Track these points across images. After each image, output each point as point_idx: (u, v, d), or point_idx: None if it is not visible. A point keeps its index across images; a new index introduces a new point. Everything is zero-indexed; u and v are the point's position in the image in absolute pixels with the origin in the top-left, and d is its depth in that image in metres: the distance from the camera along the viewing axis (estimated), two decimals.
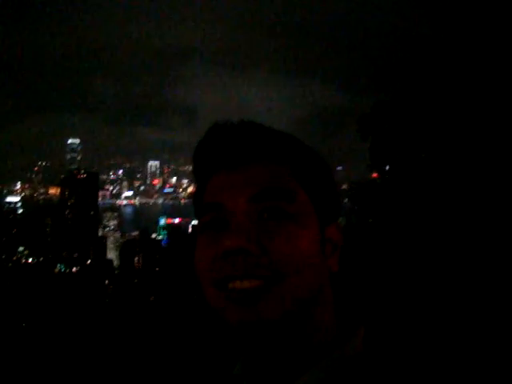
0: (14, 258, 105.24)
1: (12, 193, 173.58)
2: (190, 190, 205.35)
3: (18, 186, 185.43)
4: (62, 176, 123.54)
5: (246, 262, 0.94)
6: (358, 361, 0.93)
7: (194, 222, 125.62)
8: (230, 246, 0.93)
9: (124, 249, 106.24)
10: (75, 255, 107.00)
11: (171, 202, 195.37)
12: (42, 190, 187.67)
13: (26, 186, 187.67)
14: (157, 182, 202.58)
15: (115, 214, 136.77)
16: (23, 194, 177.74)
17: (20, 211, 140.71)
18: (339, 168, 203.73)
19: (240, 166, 1.02)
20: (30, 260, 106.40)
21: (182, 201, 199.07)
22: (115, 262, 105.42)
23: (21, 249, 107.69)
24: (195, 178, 1.11)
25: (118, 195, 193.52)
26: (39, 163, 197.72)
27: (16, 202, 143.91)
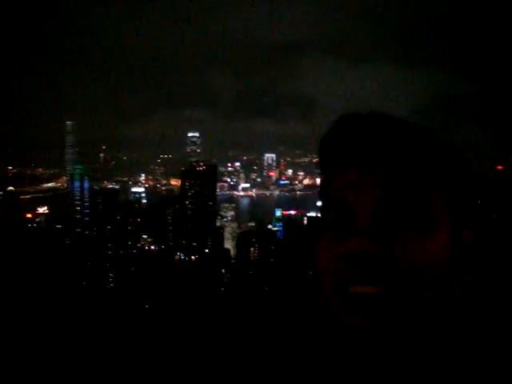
0: (139, 245, 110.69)
1: (137, 184, 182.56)
2: (306, 182, 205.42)
3: (143, 177, 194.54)
4: (183, 168, 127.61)
5: (369, 267, 0.88)
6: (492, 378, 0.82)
7: (310, 214, 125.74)
8: (354, 248, 0.87)
9: (240, 239, 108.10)
10: (194, 244, 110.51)
11: (287, 194, 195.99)
12: (164, 182, 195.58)
13: (150, 177, 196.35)
14: (273, 174, 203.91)
15: (233, 205, 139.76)
16: (147, 185, 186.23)
17: (144, 201, 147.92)
18: None
19: (370, 163, 0.95)
20: (153, 247, 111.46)
21: (298, 193, 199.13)
22: (232, 252, 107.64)
23: (145, 236, 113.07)
24: (321, 169, 1.06)
25: (235, 187, 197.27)
26: (161, 156, 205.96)
27: (141, 193, 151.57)
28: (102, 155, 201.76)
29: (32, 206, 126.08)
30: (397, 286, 0.86)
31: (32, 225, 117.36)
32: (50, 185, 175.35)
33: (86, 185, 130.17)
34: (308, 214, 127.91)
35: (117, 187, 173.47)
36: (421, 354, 0.90)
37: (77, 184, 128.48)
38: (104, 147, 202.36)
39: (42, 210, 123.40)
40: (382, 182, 0.92)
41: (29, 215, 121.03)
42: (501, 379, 0.81)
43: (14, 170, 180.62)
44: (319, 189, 1.08)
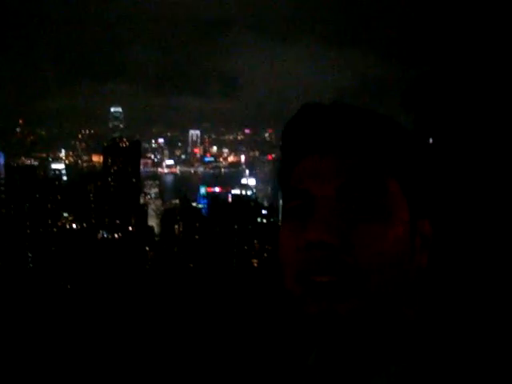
0: (59, 224, 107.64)
1: (57, 160, 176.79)
2: (231, 159, 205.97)
3: (63, 153, 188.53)
4: (105, 144, 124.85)
5: (327, 257, 0.90)
6: (437, 360, 0.87)
7: (235, 191, 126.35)
8: (312, 238, 0.89)
9: (165, 216, 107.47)
10: (117, 222, 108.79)
11: (212, 171, 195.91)
12: (85, 158, 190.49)
13: (70, 153, 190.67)
14: (197, 150, 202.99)
15: (156, 182, 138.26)
16: (68, 161, 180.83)
17: (65, 178, 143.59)
18: None
19: (331, 152, 0.96)
20: (74, 226, 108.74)
21: (223, 170, 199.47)
22: (156, 230, 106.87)
23: (65, 215, 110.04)
24: (282, 157, 1.05)
25: (159, 164, 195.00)
26: (83, 131, 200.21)
27: (61, 169, 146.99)
28: (18, 130, 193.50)
29: None
30: (353, 276, 0.89)
31: None
32: None
33: (2, 161, 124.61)
34: (233, 192, 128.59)
35: (35, 163, 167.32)
36: (375, 338, 0.95)
37: None
38: (21, 121, 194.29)
39: None
40: (342, 172, 0.94)
41: None
42: (446, 365, 0.85)
43: None
44: (279, 176, 1.06)
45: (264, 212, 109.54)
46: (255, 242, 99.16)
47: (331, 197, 0.93)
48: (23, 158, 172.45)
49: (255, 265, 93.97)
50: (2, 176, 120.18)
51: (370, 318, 0.92)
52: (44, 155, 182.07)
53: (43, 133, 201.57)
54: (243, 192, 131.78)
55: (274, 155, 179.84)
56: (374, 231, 0.91)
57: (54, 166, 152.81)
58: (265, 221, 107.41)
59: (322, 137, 0.97)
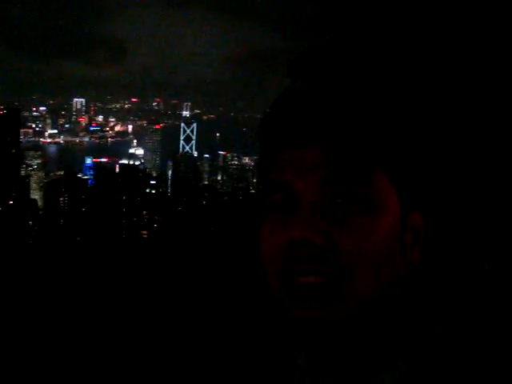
0: None
1: None
2: (118, 128, 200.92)
3: None
4: None
5: (312, 256, 0.85)
6: (432, 362, 0.83)
7: (122, 161, 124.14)
8: (296, 236, 0.84)
9: (48, 189, 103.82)
10: None
11: (98, 141, 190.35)
12: None
13: None
14: (82, 119, 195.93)
15: (39, 152, 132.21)
16: None
17: None
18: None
19: (312, 143, 0.91)
20: None
21: (109, 140, 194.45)
22: (39, 203, 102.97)
23: None
24: (262, 149, 0.99)
25: (41, 133, 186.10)
26: None
27: None
28: None
29: None
30: (339, 277, 0.85)
31: None
32: None
33: None
34: (120, 162, 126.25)
35: None
36: (366, 338, 0.92)
37: None
38: None
39: None
40: (325, 163, 0.88)
41: None
42: (441, 364, 0.82)
43: None
44: (258, 168, 1.00)
45: (152, 182, 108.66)
46: (144, 212, 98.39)
47: (315, 190, 0.87)
48: None
49: (144, 236, 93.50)
50: None
51: (360, 320, 0.88)
52: None
53: None
54: (131, 162, 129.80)
55: (162, 124, 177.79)
56: (361, 226, 0.86)
57: None
58: (154, 191, 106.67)
59: (302, 126, 0.90)
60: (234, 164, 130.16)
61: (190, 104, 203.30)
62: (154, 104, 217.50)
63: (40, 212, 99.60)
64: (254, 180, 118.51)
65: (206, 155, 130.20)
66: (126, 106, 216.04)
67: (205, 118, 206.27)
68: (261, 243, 0.91)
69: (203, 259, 73.14)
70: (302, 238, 0.83)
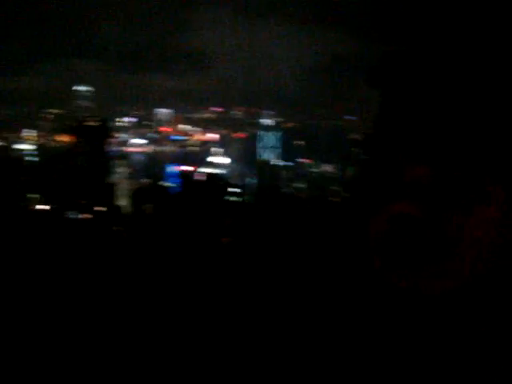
0: (25, 205, 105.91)
1: (22, 140, 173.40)
2: (200, 137, 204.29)
3: (29, 133, 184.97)
4: (72, 123, 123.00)
5: (417, 232, 0.86)
6: None
7: (204, 170, 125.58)
8: (401, 210, 0.86)
9: (134, 196, 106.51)
10: (85, 202, 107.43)
11: (181, 150, 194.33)
12: (51, 138, 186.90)
13: (36, 133, 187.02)
14: (167, 129, 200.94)
15: (125, 161, 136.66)
16: (33, 141, 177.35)
17: (30, 158, 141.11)
18: (350, 118, 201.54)
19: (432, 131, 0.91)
20: (42, 207, 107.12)
21: (192, 148, 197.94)
22: (125, 209, 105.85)
23: (32, 196, 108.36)
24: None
25: (127, 143, 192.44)
26: (48, 110, 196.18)
27: (27, 150, 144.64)
28: None
29: None
30: (442, 254, 0.85)
31: None
32: None
33: None
34: (203, 170, 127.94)
35: (0, 144, 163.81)
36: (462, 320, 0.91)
37: None
38: None
39: None
40: (442, 149, 0.88)
41: None
42: None
43: None
44: (364, 141, 1.01)
45: (234, 190, 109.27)
46: (226, 220, 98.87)
47: (427, 173, 0.88)
48: None
49: (225, 243, 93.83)
50: None
51: (457, 298, 0.87)
52: (8, 135, 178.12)
53: (8, 112, 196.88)
54: (213, 171, 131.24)
55: (243, 133, 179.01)
56: (466, 212, 0.85)
57: (19, 146, 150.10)
58: (235, 199, 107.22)
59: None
60: (315, 171, 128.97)
61: (271, 112, 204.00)
62: (236, 113, 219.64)
63: (126, 218, 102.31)
64: (334, 187, 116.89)
65: (288, 163, 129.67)
66: (209, 115, 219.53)
67: (286, 125, 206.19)
68: (367, 218, 0.93)
69: (286, 265, 72.24)
70: (407, 211, 0.85)
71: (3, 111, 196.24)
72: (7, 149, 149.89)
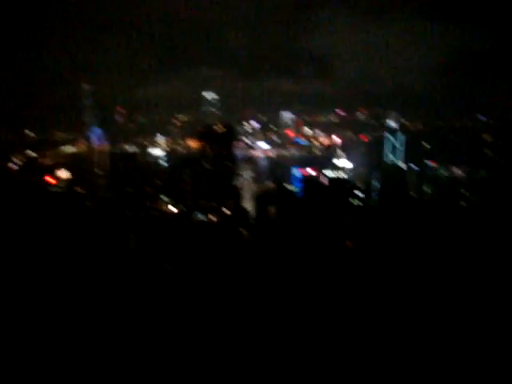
0: (157, 206, 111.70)
1: (155, 145, 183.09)
2: (324, 140, 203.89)
3: (160, 139, 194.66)
4: (200, 129, 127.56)
5: None
6: None
7: (328, 173, 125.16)
8: None
9: (259, 199, 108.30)
10: (213, 204, 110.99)
11: (305, 153, 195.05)
12: (181, 143, 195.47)
13: (167, 138, 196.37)
14: (290, 132, 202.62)
15: (251, 165, 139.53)
16: (165, 146, 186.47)
17: (162, 163, 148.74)
18: (482, 118, 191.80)
19: None
20: (172, 208, 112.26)
21: (316, 151, 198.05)
22: (250, 212, 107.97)
23: (164, 198, 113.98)
24: None
25: (253, 146, 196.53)
26: (178, 117, 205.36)
27: (159, 155, 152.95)
28: (119, 118, 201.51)
29: (53, 171, 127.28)
30: None
31: (54, 189, 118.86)
32: (68, 148, 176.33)
33: (105, 148, 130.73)
34: (327, 174, 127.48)
35: (135, 149, 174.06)
36: None
37: (95, 147, 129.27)
38: (121, 109, 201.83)
39: (63, 175, 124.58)
40: None
41: (50, 180, 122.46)
42: None
43: (33, 135, 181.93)
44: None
45: (359, 194, 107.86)
46: (349, 223, 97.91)
47: None
48: (123, 144, 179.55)
49: (349, 246, 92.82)
50: (106, 162, 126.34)
51: None
52: (142, 141, 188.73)
53: (141, 119, 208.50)
54: (338, 174, 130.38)
55: (368, 136, 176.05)
56: None
57: (152, 151, 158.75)
58: (360, 203, 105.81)
59: None
60: (444, 175, 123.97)
61: (396, 114, 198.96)
62: (360, 115, 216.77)
63: (251, 221, 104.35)
64: (464, 191, 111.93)
65: (414, 166, 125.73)
66: (332, 118, 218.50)
67: (412, 127, 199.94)
68: None
69: (412, 270, 70.34)
70: None
71: (139, 118, 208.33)
72: (142, 153, 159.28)
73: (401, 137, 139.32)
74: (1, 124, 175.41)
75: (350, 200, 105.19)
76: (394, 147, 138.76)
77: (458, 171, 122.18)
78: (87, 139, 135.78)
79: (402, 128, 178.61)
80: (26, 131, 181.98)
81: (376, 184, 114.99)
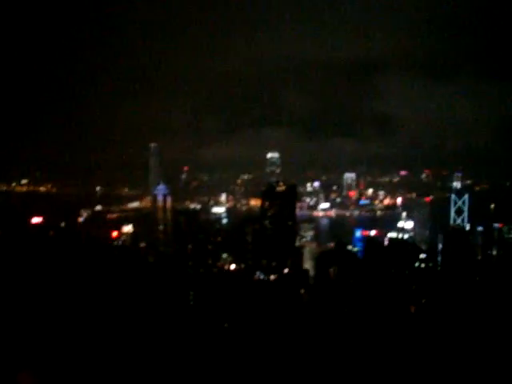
0: (219, 264, 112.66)
1: (218, 203, 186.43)
2: (386, 201, 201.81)
3: (223, 197, 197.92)
4: (263, 188, 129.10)
5: None
6: None
7: (391, 235, 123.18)
8: None
9: (320, 259, 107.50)
10: (273, 264, 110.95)
11: (367, 214, 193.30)
12: (244, 202, 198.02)
13: (230, 197, 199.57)
14: (353, 193, 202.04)
15: (312, 225, 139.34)
16: (228, 205, 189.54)
17: (225, 221, 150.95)
18: None
19: None
20: (233, 266, 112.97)
21: (378, 213, 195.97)
22: (311, 272, 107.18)
23: (225, 256, 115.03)
24: None
25: (314, 207, 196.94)
26: (242, 176, 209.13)
27: (221, 213, 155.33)
28: (183, 176, 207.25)
29: (117, 225, 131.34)
30: None
31: (117, 243, 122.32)
32: (134, 204, 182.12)
33: (169, 205, 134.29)
34: (389, 235, 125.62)
35: (198, 207, 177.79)
36: None
37: (159, 204, 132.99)
38: (186, 168, 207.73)
39: (127, 229, 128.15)
40: None
41: (114, 234, 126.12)
42: None
43: (102, 191, 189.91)
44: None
45: (422, 256, 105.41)
46: (413, 287, 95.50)
47: None
48: (188, 202, 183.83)
49: (412, 311, 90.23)
50: (170, 218, 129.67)
51: None
52: (206, 199, 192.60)
53: (205, 178, 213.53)
54: (400, 235, 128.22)
55: (431, 196, 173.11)
56: None
57: (215, 209, 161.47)
58: (423, 265, 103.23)
59: None
60: (511, 238, 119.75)
61: (460, 174, 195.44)
62: (423, 176, 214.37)
63: (311, 281, 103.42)
64: None
65: (480, 228, 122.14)
66: (395, 179, 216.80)
67: (477, 188, 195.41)
68: None
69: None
70: None
71: (203, 177, 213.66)
72: (205, 211, 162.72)
73: (465, 198, 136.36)
74: (76, 181, 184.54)
75: (413, 262, 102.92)
76: (458, 208, 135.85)
77: None
78: (152, 196, 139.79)
79: (467, 188, 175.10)
80: (97, 188, 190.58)
81: (440, 246, 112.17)
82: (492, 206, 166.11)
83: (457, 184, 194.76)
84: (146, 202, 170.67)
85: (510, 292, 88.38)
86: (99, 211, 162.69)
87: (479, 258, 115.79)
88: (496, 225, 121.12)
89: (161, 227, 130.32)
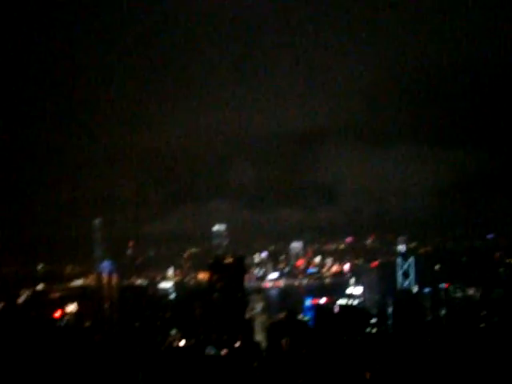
0: (167, 342, 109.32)
1: (165, 278, 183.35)
2: (334, 269, 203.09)
3: (170, 272, 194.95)
4: (210, 261, 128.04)
5: None
6: None
7: (340, 302, 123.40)
8: None
9: (271, 331, 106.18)
10: (224, 337, 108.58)
11: (316, 282, 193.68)
12: (192, 275, 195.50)
13: (177, 271, 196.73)
14: (300, 262, 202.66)
15: (261, 296, 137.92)
16: (175, 279, 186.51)
17: (172, 296, 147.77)
18: (489, 236, 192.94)
19: None
20: (182, 342, 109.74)
21: (327, 280, 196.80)
22: (263, 344, 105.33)
23: (173, 332, 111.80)
24: None
25: (263, 277, 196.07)
26: (189, 250, 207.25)
27: (169, 288, 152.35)
28: (129, 251, 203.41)
29: (61, 305, 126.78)
30: None
31: (60, 324, 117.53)
32: (79, 282, 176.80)
33: (115, 281, 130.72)
34: (338, 302, 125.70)
35: (145, 283, 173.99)
36: None
37: (105, 281, 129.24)
38: (131, 243, 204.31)
39: (71, 308, 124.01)
40: None
41: (57, 315, 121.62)
42: None
43: (44, 268, 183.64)
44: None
45: (372, 321, 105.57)
46: (366, 353, 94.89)
47: None
48: (134, 278, 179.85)
49: (367, 377, 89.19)
50: (115, 296, 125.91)
51: None
52: (153, 274, 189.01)
53: (152, 253, 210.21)
54: (350, 301, 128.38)
55: (378, 261, 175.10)
56: None
57: (162, 284, 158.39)
58: (374, 330, 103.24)
59: None
60: (458, 297, 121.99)
61: (405, 238, 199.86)
62: (369, 241, 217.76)
63: (263, 354, 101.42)
64: (481, 312, 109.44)
65: (427, 289, 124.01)
66: (342, 246, 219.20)
67: (421, 250, 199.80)
68: None
69: None
70: None
71: (149, 252, 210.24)
72: (152, 287, 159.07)
73: (411, 260, 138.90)
74: (14, 259, 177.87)
75: (363, 327, 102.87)
76: (405, 272, 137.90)
77: (472, 291, 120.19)
78: (97, 273, 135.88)
79: (412, 251, 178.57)
80: (38, 265, 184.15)
81: (389, 310, 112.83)
82: (437, 266, 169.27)
83: (402, 247, 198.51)
84: (91, 280, 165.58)
85: (462, 350, 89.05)
86: (41, 290, 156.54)
87: (429, 318, 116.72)
88: (442, 285, 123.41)
89: (106, 305, 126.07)
